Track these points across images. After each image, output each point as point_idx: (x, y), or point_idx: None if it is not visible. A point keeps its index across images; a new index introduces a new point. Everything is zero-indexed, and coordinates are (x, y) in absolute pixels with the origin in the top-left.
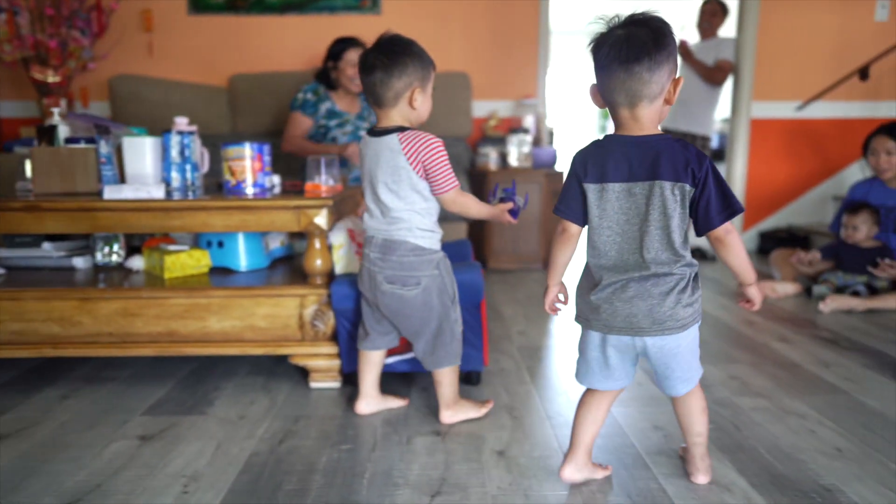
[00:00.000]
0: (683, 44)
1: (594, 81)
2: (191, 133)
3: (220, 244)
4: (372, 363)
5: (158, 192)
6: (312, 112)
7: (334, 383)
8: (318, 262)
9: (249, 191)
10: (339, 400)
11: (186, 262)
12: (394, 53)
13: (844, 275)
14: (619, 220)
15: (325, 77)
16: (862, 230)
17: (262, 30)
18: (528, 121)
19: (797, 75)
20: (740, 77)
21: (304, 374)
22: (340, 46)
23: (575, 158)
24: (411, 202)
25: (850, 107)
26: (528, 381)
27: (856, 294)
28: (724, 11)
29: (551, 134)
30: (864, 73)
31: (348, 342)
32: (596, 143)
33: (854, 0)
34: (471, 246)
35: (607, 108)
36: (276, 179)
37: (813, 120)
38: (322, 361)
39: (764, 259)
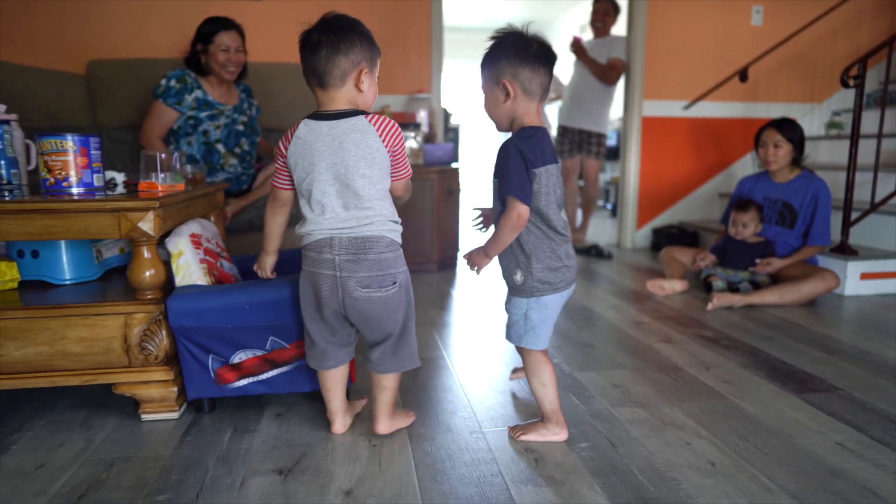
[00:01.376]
0: (578, 42)
1: (511, 77)
2: (5, 122)
3: (35, 254)
4: (338, 381)
5: None
6: (177, 102)
7: (171, 414)
8: (147, 273)
9: (75, 190)
10: (173, 434)
11: None
12: (340, 29)
13: (727, 270)
14: (558, 193)
15: (195, 62)
16: (750, 227)
17: (126, 10)
18: (421, 116)
19: (684, 75)
20: (631, 76)
21: (137, 404)
22: (210, 27)
23: (520, 149)
24: (382, 188)
25: (732, 107)
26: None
27: (736, 291)
28: (615, 10)
29: (456, 130)
30: (743, 75)
31: (193, 365)
32: (530, 135)
33: (732, 4)
34: None
35: (524, 101)
36: (120, 177)
37: (699, 119)
38: (155, 390)
39: (657, 256)
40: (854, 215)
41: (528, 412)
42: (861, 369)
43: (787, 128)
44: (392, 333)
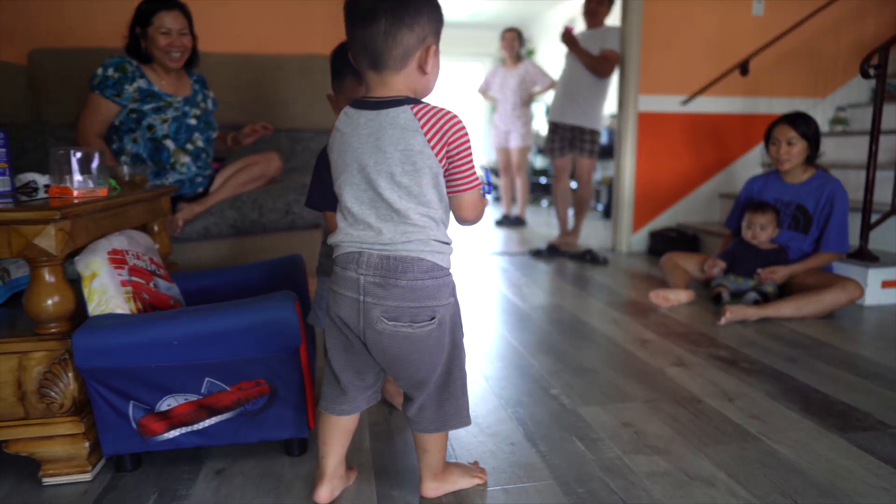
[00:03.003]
0: (569, 32)
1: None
2: None
3: None
4: (343, 432)
5: None
6: (116, 94)
7: (81, 476)
8: (49, 302)
9: None
10: (82, 502)
11: None
12: None
13: (737, 278)
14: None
15: (136, 48)
16: (768, 230)
17: None
18: None
19: (682, 69)
20: (626, 69)
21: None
22: (148, 6)
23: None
24: (427, 202)
25: (732, 102)
26: (366, 447)
27: (751, 301)
28: (610, 0)
29: None
30: (744, 68)
31: (109, 415)
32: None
33: None
34: (304, 263)
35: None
36: (42, 180)
37: (698, 115)
38: (60, 447)
39: (656, 261)
40: (873, 217)
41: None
42: None
43: (802, 123)
44: (427, 381)
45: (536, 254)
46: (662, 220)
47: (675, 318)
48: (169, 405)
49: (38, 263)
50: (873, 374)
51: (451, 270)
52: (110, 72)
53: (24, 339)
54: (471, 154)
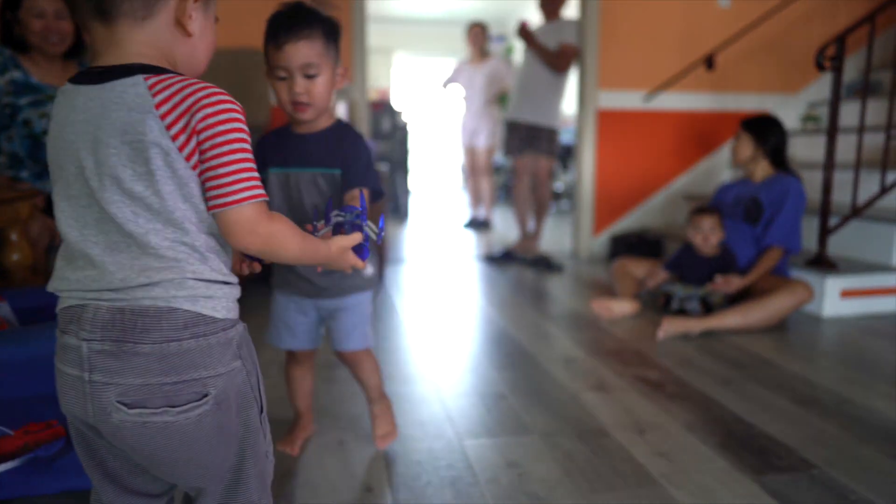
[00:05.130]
0: (524, 27)
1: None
2: None
3: None
4: None
5: None
6: None
7: None
8: None
9: None
10: None
11: None
12: None
13: (685, 287)
14: None
15: (9, 35)
16: (718, 233)
17: None
18: (340, 109)
19: (643, 63)
20: (585, 63)
21: None
22: None
23: None
24: (176, 220)
25: (698, 98)
26: None
27: (685, 312)
28: None
29: (404, 128)
30: (709, 62)
31: None
32: None
33: None
34: None
35: None
36: None
37: (661, 112)
38: None
39: None
40: (833, 221)
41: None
42: (841, 429)
43: (752, 121)
44: (208, 482)
45: (490, 259)
46: (625, 224)
47: (614, 332)
48: None
49: None
50: (810, 398)
51: (233, 318)
52: None
53: None
54: (240, 147)
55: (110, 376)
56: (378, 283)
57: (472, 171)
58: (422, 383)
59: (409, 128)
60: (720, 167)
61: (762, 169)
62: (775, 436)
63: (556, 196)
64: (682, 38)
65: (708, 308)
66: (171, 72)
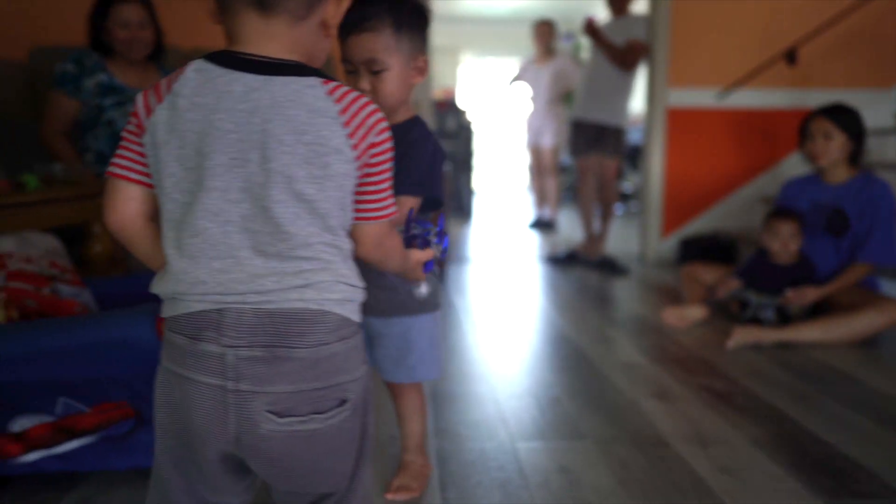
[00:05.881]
0: (591, 23)
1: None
2: None
3: None
4: None
5: None
6: (75, 89)
7: None
8: None
9: None
10: None
11: None
12: None
13: (758, 294)
14: None
15: (97, 41)
16: (798, 240)
17: None
18: None
19: (718, 58)
20: (654, 60)
21: None
22: None
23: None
24: (333, 227)
25: (778, 95)
26: None
27: (759, 321)
28: None
29: (468, 128)
30: (791, 56)
31: None
32: None
33: None
34: None
35: None
36: None
37: (737, 110)
38: None
39: None
40: None
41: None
42: None
43: (840, 114)
44: (331, 496)
45: (553, 261)
46: (696, 227)
47: (679, 339)
48: (23, 426)
49: None
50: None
51: (360, 322)
52: (68, 67)
53: None
54: (391, 168)
55: (260, 384)
56: (437, 307)
57: (538, 170)
58: (477, 383)
59: (474, 127)
60: (802, 166)
61: (842, 170)
62: (855, 457)
63: (624, 197)
64: (760, 32)
65: (784, 318)
66: (319, 73)
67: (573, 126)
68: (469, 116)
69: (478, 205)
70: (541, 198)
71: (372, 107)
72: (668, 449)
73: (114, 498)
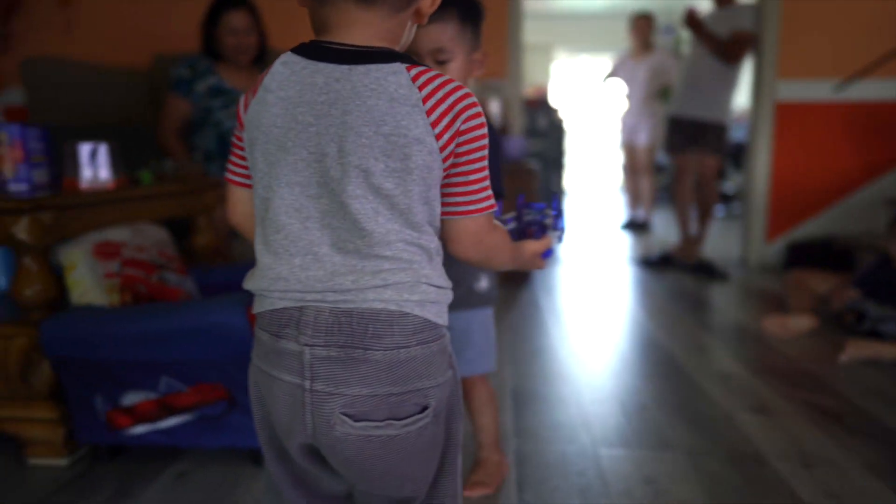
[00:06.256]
0: (692, 14)
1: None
2: None
3: None
4: None
5: None
6: (188, 91)
7: (57, 460)
8: (29, 290)
9: (15, 188)
10: (45, 488)
11: None
12: None
13: (879, 306)
14: None
15: (208, 47)
16: None
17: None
18: (493, 106)
19: (834, 46)
20: (762, 50)
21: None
22: (216, 6)
23: None
24: (417, 223)
25: None
26: None
27: (878, 335)
28: None
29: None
30: None
31: (79, 405)
32: None
33: None
34: None
35: None
36: (104, 174)
37: (855, 103)
38: (39, 430)
39: None
40: None
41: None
42: None
43: None
44: (410, 500)
45: (646, 263)
46: (806, 230)
47: (784, 350)
48: (132, 401)
49: (20, 252)
50: None
51: (446, 325)
52: (183, 71)
53: (8, 325)
54: (486, 155)
55: (335, 385)
56: (496, 300)
57: (632, 169)
58: (561, 385)
59: (565, 126)
60: None
61: None
62: None
63: (725, 198)
64: (885, 17)
65: None
66: (404, 57)
67: (670, 122)
68: (561, 115)
69: (568, 205)
70: (634, 198)
71: (462, 91)
72: (765, 467)
73: (209, 474)
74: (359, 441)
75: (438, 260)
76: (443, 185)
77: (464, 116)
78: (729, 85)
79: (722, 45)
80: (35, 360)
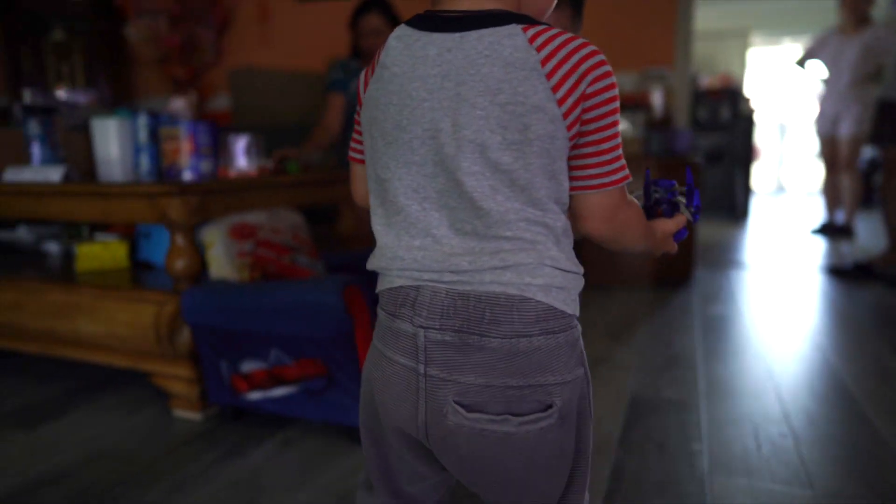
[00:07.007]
0: None
1: None
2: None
3: (148, 235)
4: None
5: (55, 175)
6: (343, 89)
7: (193, 414)
8: (179, 263)
9: (186, 176)
10: (175, 439)
11: (101, 254)
12: None
13: None
14: None
15: (356, 49)
16: None
17: None
18: (655, 96)
19: None
20: None
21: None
22: (356, 11)
23: None
24: (540, 200)
25: None
26: None
27: None
28: None
29: (749, 119)
30: None
31: (208, 367)
32: None
33: None
34: None
35: None
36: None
37: None
38: (180, 386)
39: None
40: None
41: None
42: None
43: None
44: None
45: (839, 273)
46: None
47: None
48: (248, 369)
49: (172, 230)
50: None
51: (576, 315)
52: (336, 73)
53: (161, 293)
54: (618, 120)
55: (449, 371)
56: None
57: (832, 165)
58: (688, 396)
59: (755, 117)
60: None
61: None
62: None
63: None
64: None
65: None
66: (522, 17)
67: (881, 109)
68: (751, 105)
69: (756, 205)
70: (833, 198)
71: (587, 49)
72: None
73: (310, 444)
74: (472, 435)
75: (567, 241)
76: (570, 157)
77: (590, 77)
78: None
79: None
80: (179, 324)
